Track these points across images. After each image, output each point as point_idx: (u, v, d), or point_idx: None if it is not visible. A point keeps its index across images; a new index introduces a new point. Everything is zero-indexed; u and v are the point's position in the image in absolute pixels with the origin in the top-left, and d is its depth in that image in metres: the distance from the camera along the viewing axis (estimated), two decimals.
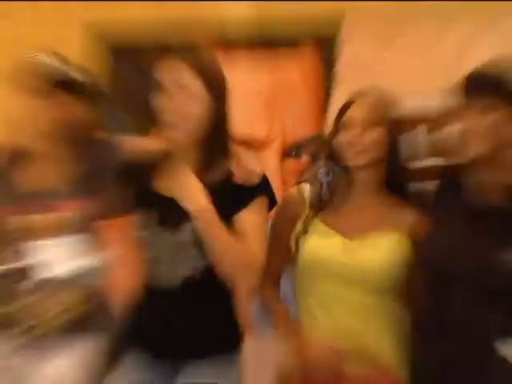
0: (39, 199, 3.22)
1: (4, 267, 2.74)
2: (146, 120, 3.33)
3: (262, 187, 3.06)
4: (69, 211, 3.21)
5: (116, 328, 3.36)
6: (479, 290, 2.81)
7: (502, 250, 2.77)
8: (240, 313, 3.26)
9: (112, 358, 3.28)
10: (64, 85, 3.26)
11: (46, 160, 3.29)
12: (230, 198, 3.00)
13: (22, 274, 2.69)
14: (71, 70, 3.31)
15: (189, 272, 3.02)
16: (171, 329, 3.09)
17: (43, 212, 3.19)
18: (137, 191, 3.15)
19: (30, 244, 2.83)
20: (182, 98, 2.96)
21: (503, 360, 2.73)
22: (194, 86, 2.96)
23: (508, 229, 2.84)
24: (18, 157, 3.31)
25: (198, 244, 2.95)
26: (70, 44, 4.18)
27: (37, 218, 3.18)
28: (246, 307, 3.51)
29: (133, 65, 4.68)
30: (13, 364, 3.14)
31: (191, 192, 2.95)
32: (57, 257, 2.73)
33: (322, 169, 3.18)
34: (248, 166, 3.07)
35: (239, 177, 3.01)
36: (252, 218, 3.03)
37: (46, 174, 3.29)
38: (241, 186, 3.01)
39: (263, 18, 4.67)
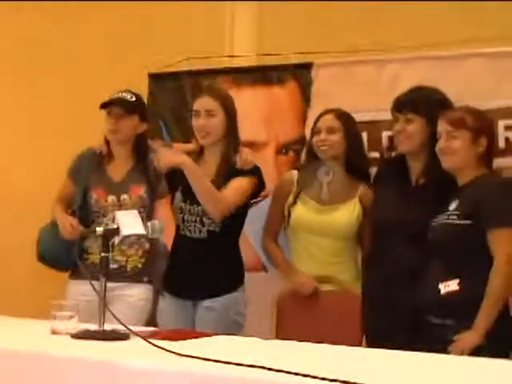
0: (121, 185, 4.02)
1: (103, 228, 2.95)
2: (187, 132, 4.36)
3: (253, 171, 3.91)
4: (137, 193, 3.99)
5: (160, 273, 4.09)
6: (408, 234, 3.60)
7: (421, 210, 3.55)
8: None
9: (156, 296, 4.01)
10: (117, 104, 4.00)
11: (120, 158, 4.08)
12: (232, 175, 3.85)
13: (114, 232, 2.93)
14: (123, 94, 4.04)
15: (212, 228, 3.86)
16: (196, 269, 3.86)
17: (126, 193, 3.99)
18: (178, 176, 3.91)
19: (118, 213, 3.06)
20: (208, 118, 3.90)
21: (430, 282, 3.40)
22: (215, 110, 3.90)
23: (424, 195, 3.62)
24: (105, 156, 4.10)
25: None
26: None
27: (123, 197, 3.98)
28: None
29: (176, 95, 5.28)
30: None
31: (178, 156, 3.79)
32: (131, 222, 2.93)
33: (322, 168, 4.04)
34: (245, 158, 3.92)
35: (239, 164, 3.89)
36: (236, 182, 3.85)
37: (120, 168, 4.07)
38: (241, 169, 3.87)
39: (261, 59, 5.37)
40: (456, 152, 3.41)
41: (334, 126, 3.99)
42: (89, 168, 4.10)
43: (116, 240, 2.94)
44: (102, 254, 2.95)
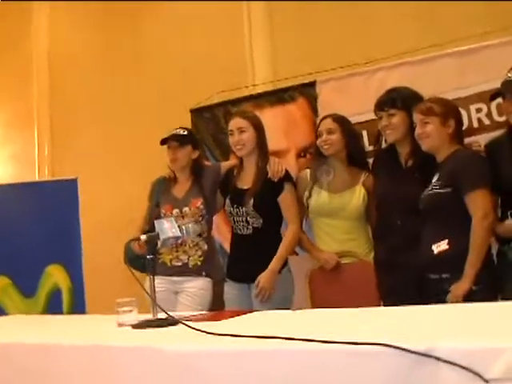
0: (183, 200, 3.96)
1: (146, 235, 2.82)
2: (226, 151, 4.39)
3: (287, 178, 3.77)
4: (195, 205, 3.91)
5: (221, 267, 4.10)
6: (404, 208, 3.43)
7: (412, 187, 3.38)
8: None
9: (220, 284, 3.91)
10: (173, 139, 3.97)
11: (181, 180, 4.04)
12: (268, 186, 3.71)
13: (155, 237, 2.83)
14: (177, 130, 4.02)
15: (256, 225, 3.74)
16: (247, 258, 3.75)
17: (186, 206, 3.92)
18: (227, 187, 3.89)
19: (156, 221, 2.90)
20: (240, 134, 3.78)
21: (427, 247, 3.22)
22: (246, 127, 3.79)
23: (413, 175, 3.46)
24: (171, 180, 4.07)
25: (257, 211, 3.71)
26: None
27: (185, 209, 3.91)
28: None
29: (212, 123, 5.32)
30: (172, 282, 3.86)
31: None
32: (168, 227, 2.76)
33: (323, 168, 3.85)
34: (276, 169, 3.75)
35: (270, 173, 3.75)
36: (284, 202, 3.74)
37: (182, 187, 4.02)
38: (279, 183, 3.72)
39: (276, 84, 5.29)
40: (430, 135, 3.26)
41: (332, 127, 3.80)
42: (159, 190, 4.06)
43: (159, 243, 2.85)
44: (148, 257, 2.79)
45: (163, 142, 3.98)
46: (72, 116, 6.58)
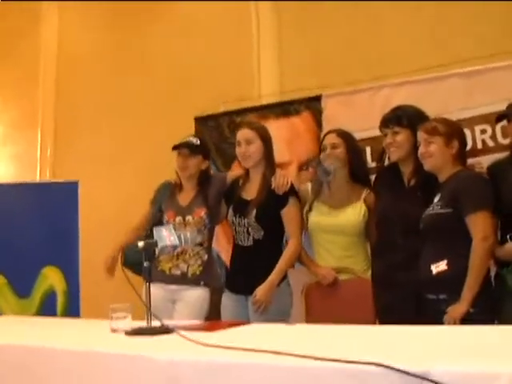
0: (187, 209, 3.91)
1: (144, 242, 2.78)
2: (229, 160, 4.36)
3: (292, 192, 3.72)
4: (199, 215, 3.87)
5: (219, 277, 4.09)
6: (405, 227, 3.40)
7: (413, 207, 3.35)
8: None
9: (218, 294, 3.86)
10: (185, 146, 3.93)
11: (187, 188, 3.99)
12: (273, 198, 3.67)
13: (153, 245, 2.81)
14: (190, 138, 4.00)
15: (257, 237, 3.70)
16: (246, 270, 3.71)
17: (190, 215, 3.89)
18: (232, 197, 3.85)
19: (155, 228, 2.97)
20: (248, 146, 3.75)
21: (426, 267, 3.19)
22: (253, 138, 3.76)
23: (415, 194, 3.44)
24: (177, 186, 4.03)
25: (259, 223, 3.67)
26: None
27: (188, 218, 3.87)
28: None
29: (216, 132, 5.27)
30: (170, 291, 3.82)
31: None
32: (166, 234, 2.82)
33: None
34: (281, 183, 3.70)
35: (274, 186, 3.70)
36: (287, 216, 3.70)
37: (187, 195, 3.97)
38: (284, 197, 3.68)
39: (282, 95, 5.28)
40: (433, 155, 3.25)
41: (336, 142, 3.77)
42: (164, 195, 4.02)
43: (156, 251, 2.84)
44: (145, 264, 2.74)
45: (175, 147, 3.95)
46: (76, 119, 6.55)
